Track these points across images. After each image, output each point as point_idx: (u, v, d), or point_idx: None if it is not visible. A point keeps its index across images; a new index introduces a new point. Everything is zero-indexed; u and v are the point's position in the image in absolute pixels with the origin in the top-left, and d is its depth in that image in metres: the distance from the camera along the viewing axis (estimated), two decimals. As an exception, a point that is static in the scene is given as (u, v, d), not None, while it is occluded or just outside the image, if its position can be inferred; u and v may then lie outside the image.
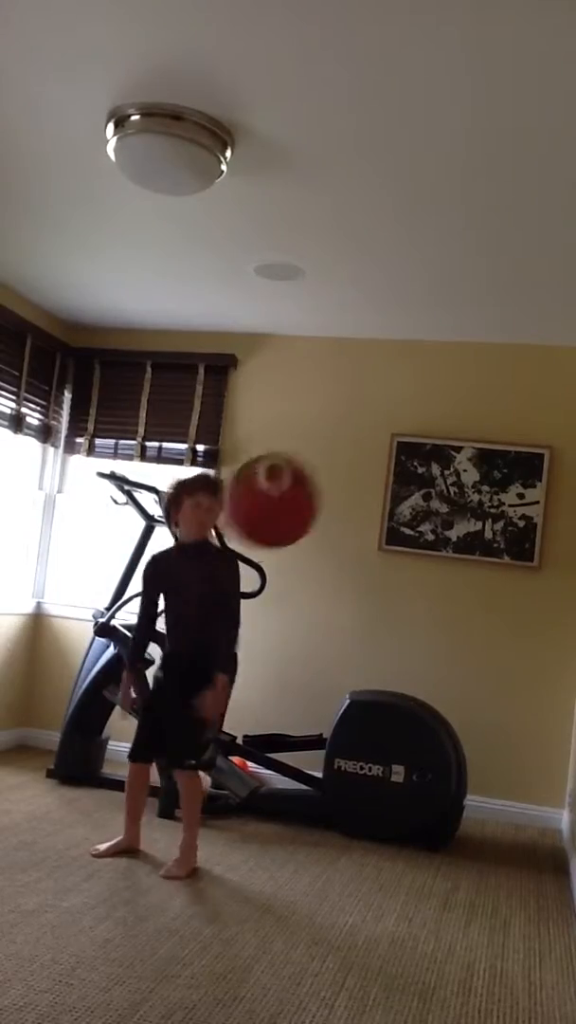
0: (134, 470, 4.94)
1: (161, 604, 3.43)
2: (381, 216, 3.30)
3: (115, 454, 5.14)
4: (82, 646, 4.64)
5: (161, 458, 5.07)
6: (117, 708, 3.92)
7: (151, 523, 4.43)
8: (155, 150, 2.79)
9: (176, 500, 3.34)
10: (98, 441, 5.19)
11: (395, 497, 4.70)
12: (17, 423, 4.76)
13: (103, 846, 3.32)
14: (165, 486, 4.20)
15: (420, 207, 3.19)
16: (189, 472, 4.95)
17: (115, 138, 2.80)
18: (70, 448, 5.24)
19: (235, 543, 3.70)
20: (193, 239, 3.74)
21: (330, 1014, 2.25)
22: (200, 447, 5.00)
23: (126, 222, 3.63)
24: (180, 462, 5.03)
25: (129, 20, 2.29)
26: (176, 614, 3.36)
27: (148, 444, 5.09)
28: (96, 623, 4.31)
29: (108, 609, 4.32)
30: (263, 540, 3.55)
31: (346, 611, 4.73)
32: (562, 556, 4.50)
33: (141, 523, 4.44)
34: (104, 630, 4.25)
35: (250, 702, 4.49)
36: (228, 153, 2.86)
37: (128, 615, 4.37)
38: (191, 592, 3.32)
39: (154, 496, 4.28)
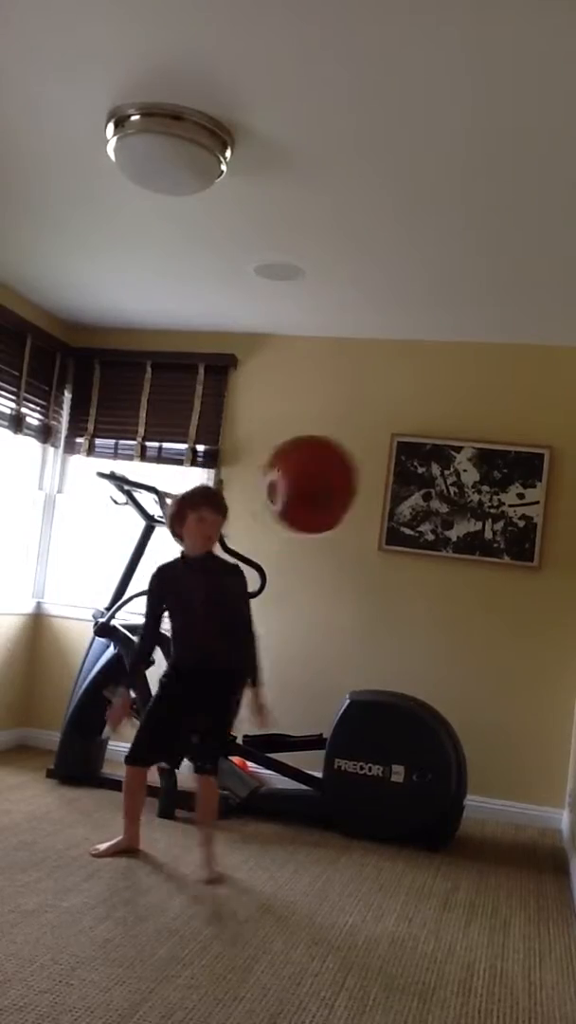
0: (134, 470, 4.94)
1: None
2: (381, 216, 3.30)
3: (115, 454, 5.14)
4: (82, 646, 4.63)
5: (161, 458, 5.07)
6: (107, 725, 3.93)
7: (151, 523, 4.43)
8: (155, 150, 2.79)
9: (179, 514, 3.34)
10: (98, 441, 5.19)
11: (395, 497, 4.70)
12: (17, 423, 4.76)
13: (103, 846, 3.32)
14: (168, 497, 4.22)
15: (420, 207, 3.19)
16: (188, 472, 5.00)
17: (115, 138, 2.80)
18: (70, 448, 5.24)
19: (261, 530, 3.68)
20: (193, 239, 3.74)
21: (330, 1014, 2.25)
22: (200, 447, 5.00)
23: (126, 222, 3.63)
24: (180, 462, 5.03)
25: (129, 20, 2.29)
26: (182, 625, 3.37)
27: (148, 444, 5.09)
28: (96, 623, 4.31)
29: (108, 609, 4.32)
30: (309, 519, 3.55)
31: (346, 611, 4.73)
32: (562, 556, 4.50)
33: (141, 523, 4.44)
34: (104, 630, 4.25)
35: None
36: (228, 153, 2.86)
37: (128, 615, 4.38)
38: (197, 603, 3.32)
39: (154, 496, 4.28)
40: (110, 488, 4.45)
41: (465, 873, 3.57)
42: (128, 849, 3.33)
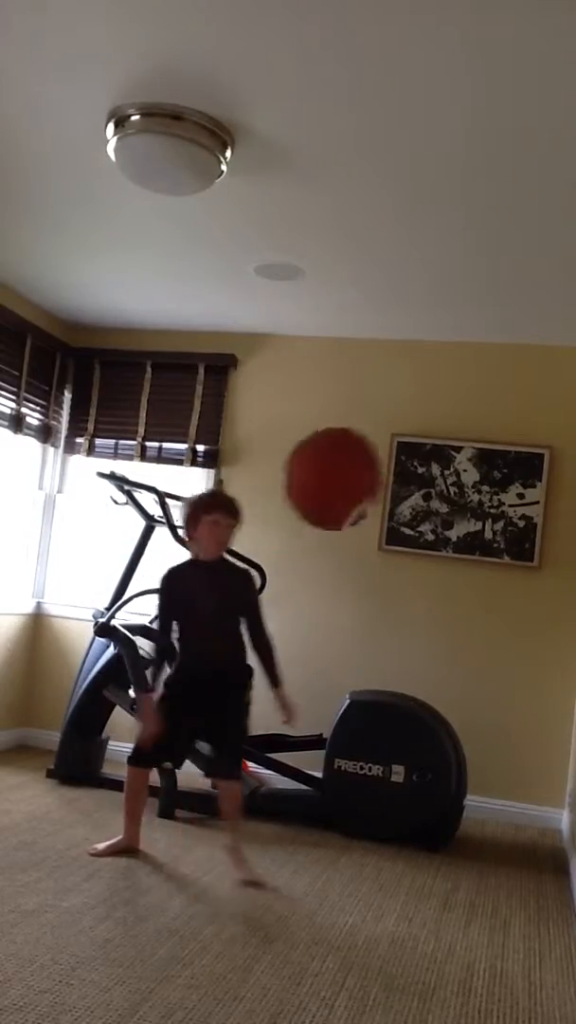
0: (134, 470, 4.94)
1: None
2: (381, 216, 3.30)
3: (115, 454, 5.14)
4: (82, 646, 4.64)
5: (161, 458, 5.07)
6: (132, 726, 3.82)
7: (151, 523, 4.43)
8: (155, 150, 2.79)
9: (193, 518, 3.32)
10: (98, 441, 5.19)
11: (395, 497, 4.70)
12: (17, 423, 4.76)
13: (102, 845, 3.32)
14: (168, 497, 4.21)
15: (420, 207, 3.19)
16: (188, 472, 5.00)
17: (115, 138, 2.80)
18: (70, 448, 5.24)
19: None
20: (193, 239, 3.74)
21: (330, 1014, 2.25)
22: (200, 447, 5.00)
23: (126, 222, 3.63)
24: (180, 462, 5.03)
25: (129, 20, 2.29)
26: (188, 628, 3.34)
27: (148, 444, 5.09)
28: (96, 623, 4.31)
29: (108, 609, 4.32)
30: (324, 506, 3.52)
31: (346, 611, 4.73)
32: (562, 556, 4.50)
33: (141, 523, 4.44)
34: (104, 630, 4.25)
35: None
36: (228, 153, 2.86)
37: (128, 615, 4.38)
38: (205, 607, 3.31)
39: (154, 496, 4.28)
40: (110, 488, 4.45)
41: (465, 873, 3.57)
42: (127, 849, 3.33)
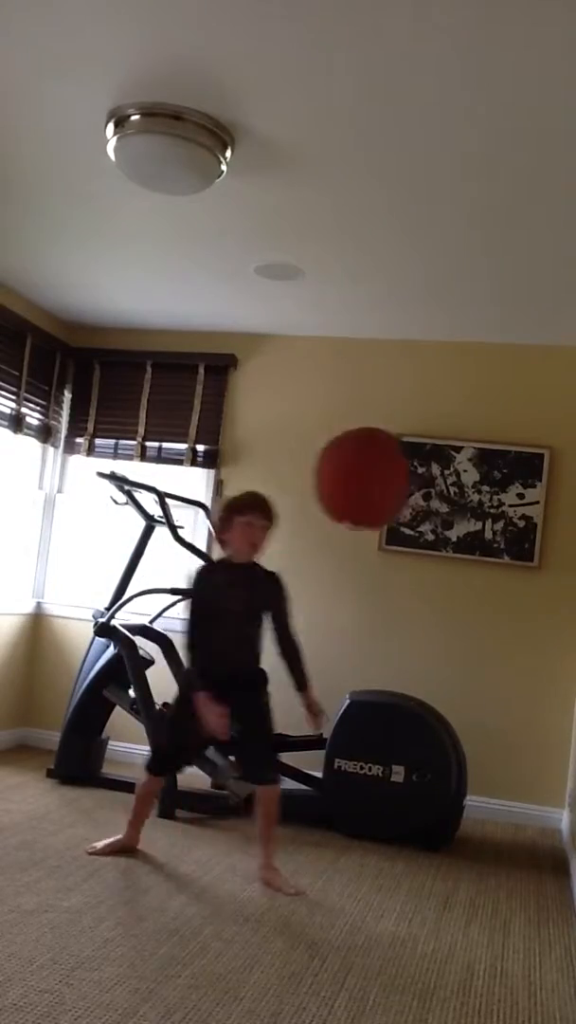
0: (134, 470, 4.94)
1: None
2: (381, 216, 3.30)
3: (115, 454, 5.14)
4: (82, 646, 4.63)
5: (161, 458, 5.07)
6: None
7: (151, 523, 4.43)
8: (155, 150, 2.79)
9: (226, 519, 3.27)
10: (98, 441, 5.19)
11: (395, 497, 4.70)
12: (17, 423, 4.76)
13: (100, 844, 3.32)
14: (168, 497, 4.20)
15: (420, 207, 3.19)
16: (188, 472, 5.00)
17: (115, 138, 2.80)
18: (70, 448, 5.24)
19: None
20: (193, 239, 3.74)
21: (330, 1014, 2.25)
22: (200, 447, 5.01)
23: (126, 222, 3.63)
24: (180, 462, 5.03)
25: (129, 20, 2.29)
26: (213, 630, 3.25)
27: (148, 444, 5.09)
28: (96, 623, 4.31)
29: (108, 609, 4.32)
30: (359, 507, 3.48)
31: (346, 611, 4.73)
32: (562, 556, 4.50)
33: (141, 523, 4.44)
34: (104, 630, 4.25)
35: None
36: (228, 153, 2.86)
37: (128, 615, 4.38)
38: (233, 609, 3.26)
39: (154, 496, 4.28)
40: (110, 488, 4.45)
41: (465, 873, 3.57)
42: (125, 849, 3.33)
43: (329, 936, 2.78)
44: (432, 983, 2.51)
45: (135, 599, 4.33)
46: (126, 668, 4.16)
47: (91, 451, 5.18)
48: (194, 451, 5.00)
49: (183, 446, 5.03)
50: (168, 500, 4.29)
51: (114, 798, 4.07)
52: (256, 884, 3.15)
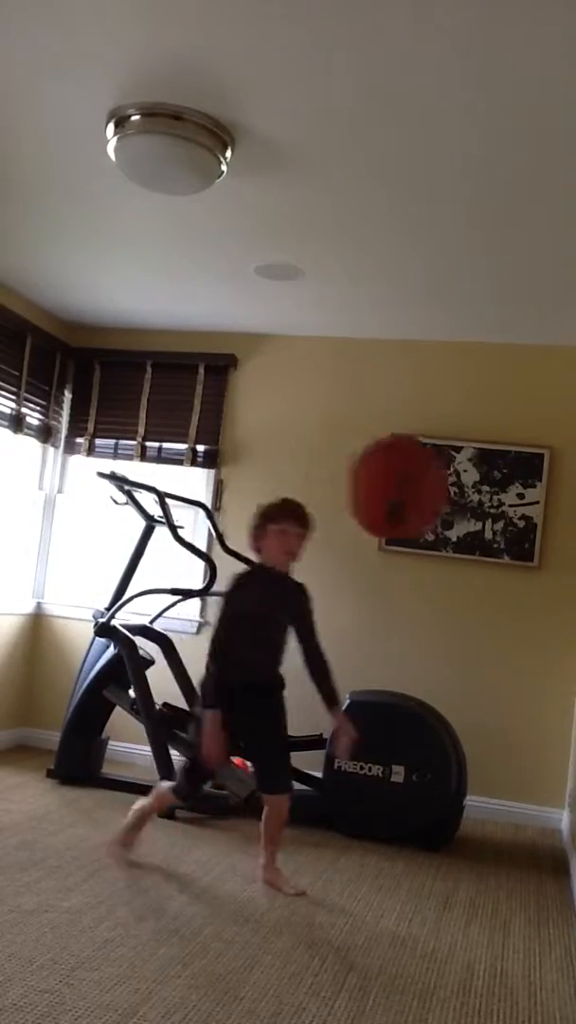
0: (134, 470, 4.94)
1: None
2: (381, 216, 3.30)
3: (115, 454, 5.14)
4: (82, 646, 4.63)
5: (161, 458, 5.07)
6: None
7: (151, 523, 4.43)
8: (155, 150, 2.79)
9: (260, 527, 3.18)
10: (98, 441, 5.19)
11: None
12: (17, 423, 4.76)
13: (117, 843, 3.22)
14: (168, 497, 4.19)
15: (420, 207, 3.19)
16: (188, 472, 5.00)
17: (115, 138, 2.80)
18: (70, 448, 5.24)
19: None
20: (193, 239, 3.74)
21: (330, 1014, 2.25)
22: (200, 447, 5.01)
23: (126, 222, 3.63)
24: (180, 462, 5.03)
25: (129, 20, 2.29)
26: (248, 636, 3.14)
27: (148, 444, 5.09)
28: (96, 623, 4.31)
29: (108, 609, 4.32)
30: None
31: (346, 611, 4.72)
32: (562, 556, 4.50)
33: (141, 523, 4.44)
34: (104, 630, 4.25)
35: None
36: (228, 153, 2.86)
37: (128, 615, 4.38)
38: (269, 617, 3.17)
39: (154, 496, 4.28)
40: (110, 488, 4.45)
41: (465, 873, 3.57)
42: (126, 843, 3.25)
43: (329, 936, 2.78)
44: (432, 983, 2.51)
45: (135, 599, 4.33)
46: (126, 668, 4.16)
47: (91, 451, 5.18)
48: (194, 451, 5.00)
49: (183, 446, 5.03)
50: (168, 500, 4.29)
51: (114, 798, 4.07)
52: (256, 884, 3.15)
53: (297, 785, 4.06)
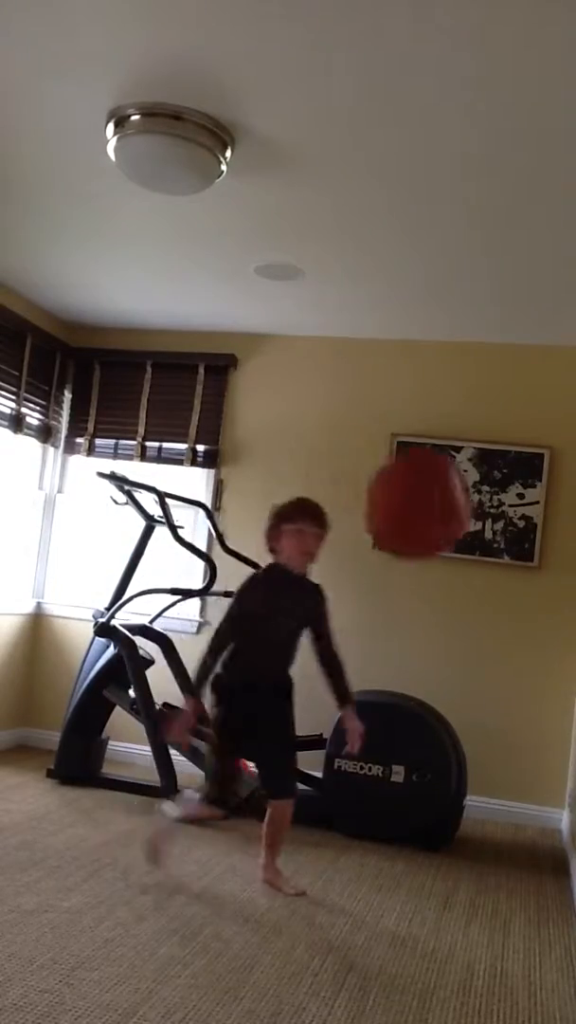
0: (134, 470, 4.94)
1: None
2: (381, 216, 3.30)
3: (115, 454, 5.14)
4: (82, 646, 4.63)
5: (161, 458, 5.07)
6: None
7: (151, 523, 4.43)
8: (155, 150, 2.79)
9: (275, 527, 3.12)
10: (98, 441, 5.19)
11: (395, 497, 4.69)
12: (17, 423, 4.76)
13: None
14: (168, 497, 4.18)
15: (420, 207, 3.19)
16: (188, 472, 5.00)
17: (115, 138, 2.80)
18: (70, 448, 5.24)
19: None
20: (193, 239, 3.74)
21: (330, 1014, 2.25)
22: (200, 447, 5.01)
23: (126, 222, 3.63)
24: (180, 462, 5.03)
25: (129, 20, 2.29)
26: (264, 638, 3.10)
27: (148, 444, 5.09)
28: (96, 623, 4.31)
29: (108, 609, 4.32)
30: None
31: (346, 611, 4.70)
32: (562, 556, 4.50)
33: (141, 523, 4.44)
34: (104, 630, 4.25)
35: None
36: (228, 153, 2.86)
37: (128, 615, 4.38)
38: (285, 620, 3.12)
39: (154, 496, 4.28)
40: (110, 488, 4.45)
41: (465, 873, 3.57)
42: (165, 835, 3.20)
43: (329, 936, 2.78)
44: (432, 983, 2.51)
45: (135, 599, 4.33)
46: (126, 668, 4.16)
47: (91, 451, 5.18)
48: (194, 451, 5.00)
49: (183, 446, 5.03)
50: (168, 500, 4.29)
51: (114, 798, 4.07)
52: (256, 884, 3.15)
53: (297, 785, 4.08)
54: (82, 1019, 2.08)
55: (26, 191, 3.44)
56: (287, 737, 3.21)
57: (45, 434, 5.07)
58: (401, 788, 3.81)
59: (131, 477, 4.40)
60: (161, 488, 4.29)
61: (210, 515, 4.66)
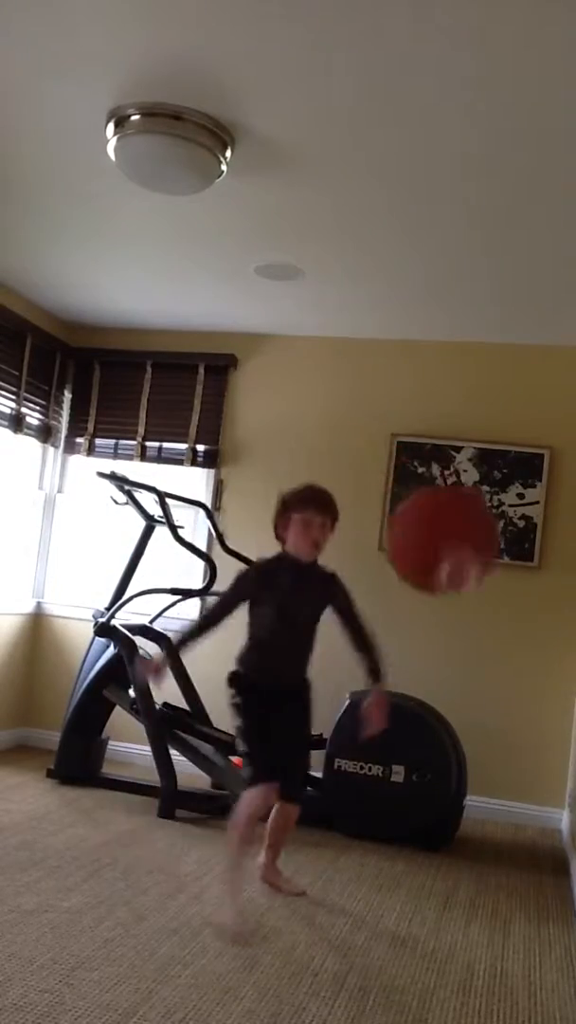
0: (134, 470, 4.94)
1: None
2: (381, 216, 3.30)
3: (115, 454, 5.14)
4: (82, 646, 4.63)
5: (161, 458, 5.07)
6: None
7: (151, 523, 4.43)
8: (155, 150, 2.79)
9: (282, 515, 3.01)
10: (98, 441, 5.19)
11: (395, 497, 4.70)
12: (17, 423, 4.76)
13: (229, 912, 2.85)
14: (168, 497, 4.17)
15: (420, 207, 3.19)
16: (188, 472, 5.00)
17: (115, 138, 2.80)
18: (70, 448, 5.24)
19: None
20: (193, 239, 3.74)
21: (330, 1014, 2.25)
22: (200, 447, 5.01)
23: (126, 222, 3.63)
24: (180, 462, 5.03)
25: (129, 20, 2.30)
26: (268, 634, 3.00)
27: (148, 444, 5.09)
28: (96, 623, 4.31)
29: (108, 609, 4.32)
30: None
31: (346, 611, 4.72)
32: (562, 556, 4.50)
33: (141, 523, 4.44)
34: (104, 630, 4.25)
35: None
36: (228, 153, 2.87)
37: (128, 615, 4.38)
38: (300, 616, 3.04)
39: (154, 496, 4.28)
40: (110, 488, 4.45)
41: (465, 873, 3.57)
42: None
43: (329, 936, 2.78)
44: (432, 983, 2.51)
45: (135, 599, 4.33)
46: (126, 668, 4.16)
47: (91, 451, 5.18)
48: (194, 451, 5.00)
49: (183, 446, 5.03)
50: (168, 500, 4.29)
51: (114, 798, 4.07)
52: (256, 884, 3.15)
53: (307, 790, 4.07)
54: (82, 1019, 2.08)
55: (26, 191, 3.44)
56: (302, 741, 3.16)
57: (45, 434, 5.07)
58: (401, 788, 3.81)
59: (131, 477, 4.40)
60: (161, 488, 4.29)
61: (210, 515, 4.66)
